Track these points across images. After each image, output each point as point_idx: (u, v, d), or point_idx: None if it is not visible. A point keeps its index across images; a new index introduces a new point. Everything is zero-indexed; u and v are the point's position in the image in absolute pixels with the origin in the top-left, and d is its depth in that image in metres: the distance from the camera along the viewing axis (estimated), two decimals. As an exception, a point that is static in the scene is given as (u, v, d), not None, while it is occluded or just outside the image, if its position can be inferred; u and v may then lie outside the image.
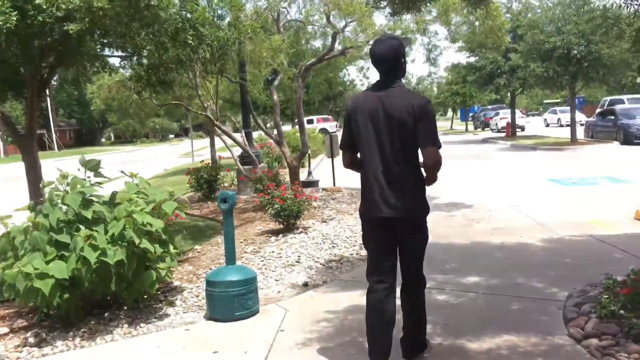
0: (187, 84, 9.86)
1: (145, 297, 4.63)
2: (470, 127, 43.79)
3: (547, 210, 7.95)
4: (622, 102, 24.65)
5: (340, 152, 3.30)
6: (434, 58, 11.52)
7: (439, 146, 3.01)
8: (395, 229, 3.07)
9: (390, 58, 3.05)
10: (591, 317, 3.65)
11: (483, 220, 7.47)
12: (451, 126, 48.33)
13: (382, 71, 3.10)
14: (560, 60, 18.18)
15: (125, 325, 4.22)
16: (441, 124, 47.74)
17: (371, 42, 9.17)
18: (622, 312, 3.52)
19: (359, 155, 3.17)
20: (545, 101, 56.30)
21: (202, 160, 12.11)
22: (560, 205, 8.28)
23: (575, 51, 17.66)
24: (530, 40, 18.76)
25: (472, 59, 25.94)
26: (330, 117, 45.49)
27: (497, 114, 36.58)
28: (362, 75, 14.15)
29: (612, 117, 20.55)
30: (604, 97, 29.07)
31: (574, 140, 20.33)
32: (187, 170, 11.26)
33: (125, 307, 4.53)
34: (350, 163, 3.26)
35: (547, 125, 36.79)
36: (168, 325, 4.24)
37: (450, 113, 50.13)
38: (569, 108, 24.40)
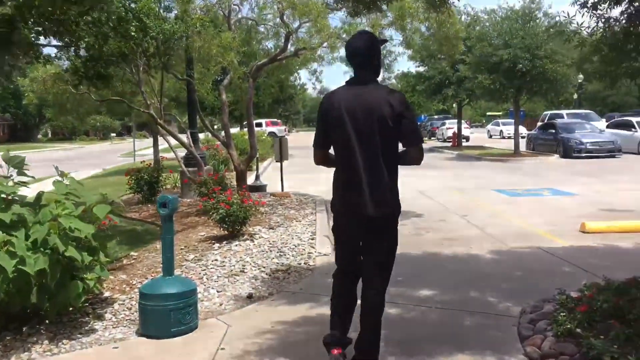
0: (130, 79, 9.32)
1: (70, 310, 4.18)
2: (418, 135, 44.48)
3: (494, 220, 7.97)
4: (561, 116, 25.57)
5: (313, 149, 3.16)
6: (388, 64, 11.44)
7: (422, 141, 3.02)
8: (373, 228, 2.96)
9: (363, 51, 3.00)
10: (547, 335, 3.52)
11: (433, 230, 7.39)
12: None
13: (356, 65, 3.04)
14: (506, 73, 18.61)
15: (46, 342, 3.78)
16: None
17: (325, 44, 8.97)
18: (578, 330, 3.40)
19: (331, 151, 3.08)
20: (488, 113, 57.99)
21: (144, 161, 11.51)
22: (507, 216, 8.32)
23: (521, 65, 18.13)
24: (478, 53, 19.15)
25: (422, 69, 26.25)
26: (279, 121, 45.19)
27: (444, 124, 37.20)
28: (314, 78, 13.92)
29: (553, 131, 21.26)
30: (543, 112, 30.09)
31: (516, 152, 20.87)
32: (127, 171, 10.67)
33: (47, 321, 4.06)
34: (323, 160, 3.17)
35: (490, 137, 37.83)
36: (95, 342, 3.82)
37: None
38: (511, 121, 25.05)
